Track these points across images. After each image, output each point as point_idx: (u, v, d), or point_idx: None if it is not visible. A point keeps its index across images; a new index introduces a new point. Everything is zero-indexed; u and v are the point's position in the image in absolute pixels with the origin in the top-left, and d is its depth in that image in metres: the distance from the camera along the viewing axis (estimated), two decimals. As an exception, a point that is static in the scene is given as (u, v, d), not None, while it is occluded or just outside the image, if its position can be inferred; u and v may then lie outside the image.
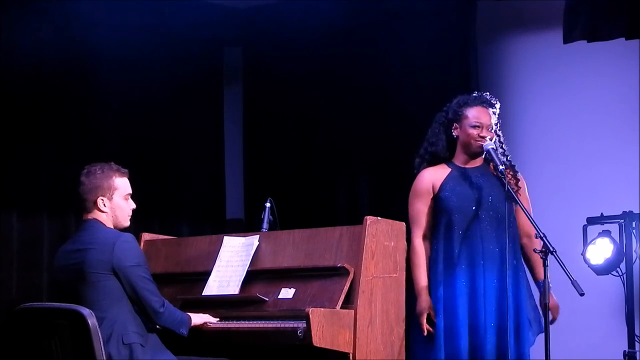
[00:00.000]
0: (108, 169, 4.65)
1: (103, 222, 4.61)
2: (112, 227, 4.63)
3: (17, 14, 6.29)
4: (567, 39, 5.98)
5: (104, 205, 4.60)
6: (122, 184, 4.65)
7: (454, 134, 4.98)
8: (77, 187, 4.65)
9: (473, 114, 4.94)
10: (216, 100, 7.46)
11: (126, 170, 4.70)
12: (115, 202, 4.62)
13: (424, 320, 4.80)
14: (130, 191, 4.69)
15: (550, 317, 4.70)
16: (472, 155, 4.96)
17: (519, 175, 4.97)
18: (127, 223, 4.68)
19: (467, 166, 4.97)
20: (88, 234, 4.58)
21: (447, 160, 5.01)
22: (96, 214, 4.61)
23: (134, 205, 4.71)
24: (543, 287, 4.52)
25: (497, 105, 4.99)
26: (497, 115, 4.97)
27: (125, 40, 6.71)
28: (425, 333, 4.79)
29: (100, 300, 4.44)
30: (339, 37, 7.04)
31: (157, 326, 4.60)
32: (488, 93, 5.05)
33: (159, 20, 6.89)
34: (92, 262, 4.47)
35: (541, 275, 4.70)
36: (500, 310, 4.78)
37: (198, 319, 4.75)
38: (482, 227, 4.84)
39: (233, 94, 7.59)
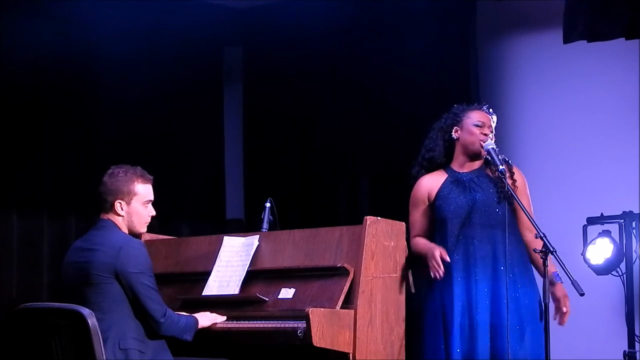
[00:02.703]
0: (132, 173, 4.63)
1: (118, 224, 4.60)
2: (127, 230, 4.62)
3: (17, 14, 6.29)
4: (567, 39, 5.98)
5: (121, 209, 4.59)
6: (143, 190, 4.63)
7: (454, 136, 4.99)
8: (98, 186, 4.64)
9: (475, 115, 4.99)
10: (216, 100, 7.46)
11: (151, 177, 4.68)
12: (133, 207, 4.61)
13: (437, 256, 4.74)
14: (152, 198, 4.67)
15: (562, 308, 4.76)
16: (472, 157, 4.96)
17: (514, 169, 4.96)
18: (143, 229, 4.68)
19: (464, 170, 4.98)
20: (100, 234, 4.58)
21: (444, 165, 5.02)
22: (113, 216, 4.61)
23: (153, 212, 4.68)
24: (543, 286, 4.53)
25: (495, 118, 5.02)
26: (494, 125, 5.00)
27: (125, 41, 6.71)
28: (440, 273, 4.74)
29: (102, 302, 4.44)
30: (339, 37, 7.04)
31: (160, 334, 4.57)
32: (487, 105, 5.09)
33: (159, 20, 6.89)
34: (97, 264, 4.46)
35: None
36: (494, 311, 4.79)
37: (206, 320, 4.72)
38: (476, 232, 4.85)
39: (233, 94, 7.59)
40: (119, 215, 4.60)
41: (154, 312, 4.48)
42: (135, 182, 4.62)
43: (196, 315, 4.72)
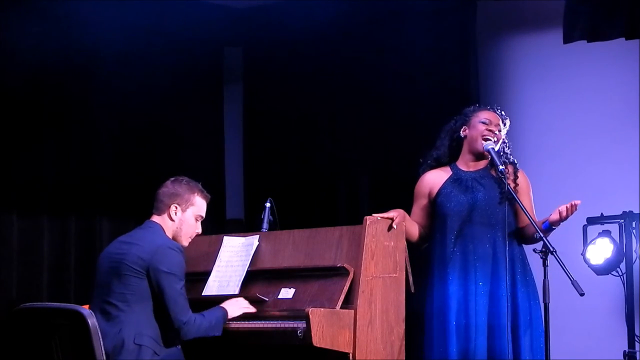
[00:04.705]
0: (194, 185, 4.77)
1: (165, 229, 4.67)
2: (171, 238, 4.67)
3: (16, 14, 6.29)
4: (567, 39, 5.98)
5: (175, 213, 4.68)
6: (199, 204, 4.75)
7: (462, 134, 5.02)
8: (158, 188, 4.74)
9: (484, 114, 5.02)
10: (216, 100, 7.45)
11: (209, 196, 4.80)
12: (187, 216, 4.71)
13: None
14: (204, 215, 4.78)
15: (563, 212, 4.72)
16: (476, 155, 4.98)
17: (519, 173, 4.99)
18: (186, 242, 4.74)
19: (469, 169, 5.00)
20: (144, 232, 4.65)
21: (449, 163, 5.04)
22: (164, 220, 4.69)
23: (200, 230, 4.79)
24: (543, 287, 4.53)
25: (507, 122, 5.04)
26: (505, 130, 5.01)
27: (125, 41, 6.71)
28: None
29: (127, 294, 4.48)
30: (339, 37, 7.04)
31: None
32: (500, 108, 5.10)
33: (159, 20, 6.88)
34: (131, 257, 4.51)
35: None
36: (492, 310, 4.80)
37: (236, 309, 4.71)
38: (476, 230, 4.86)
39: (233, 94, 7.59)
40: (171, 219, 4.68)
41: (175, 317, 4.49)
42: (196, 194, 4.74)
43: (226, 304, 4.70)
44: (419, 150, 5.21)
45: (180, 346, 4.59)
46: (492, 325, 4.80)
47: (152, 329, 4.48)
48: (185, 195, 4.71)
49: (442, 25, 6.68)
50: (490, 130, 4.95)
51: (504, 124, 5.03)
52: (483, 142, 4.93)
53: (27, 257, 6.30)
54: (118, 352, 4.37)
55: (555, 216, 4.76)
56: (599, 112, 6.36)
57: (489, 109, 5.06)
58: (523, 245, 4.98)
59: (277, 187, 6.87)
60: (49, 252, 6.39)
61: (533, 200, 5.03)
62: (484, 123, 4.96)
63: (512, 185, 4.88)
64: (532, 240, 4.87)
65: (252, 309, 4.75)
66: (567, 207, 4.73)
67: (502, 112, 5.06)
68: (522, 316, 4.82)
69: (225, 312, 4.67)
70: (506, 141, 5.05)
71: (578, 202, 4.74)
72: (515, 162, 5.03)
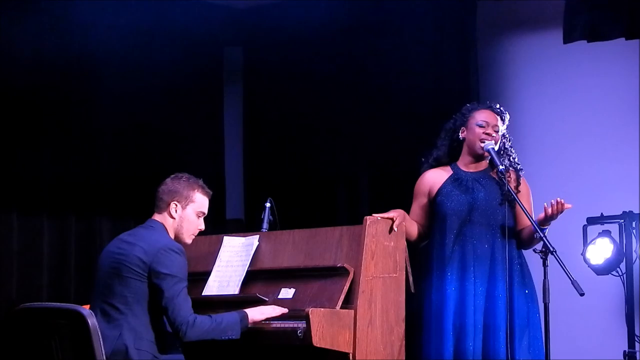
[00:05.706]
0: (194, 181, 4.73)
1: (167, 227, 4.64)
2: (173, 236, 4.65)
3: (16, 14, 6.29)
4: (567, 39, 5.98)
5: (176, 211, 4.65)
6: (200, 200, 4.71)
7: (460, 136, 5.02)
8: (158, 186, 4.71)
9: (481, 115, 5.01)
10: (216, 100, 7.46)
11: (210, 192, 4.76)
12: (187, 213, 4.67)
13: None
14: (205, 211, 4.74)
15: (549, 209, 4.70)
16: (476, 156, 4.98)
17: (521, 180, 4.99)
18: (189, 240, 4.71)
19: (469, 170, 5.00)
20: (146, 231, 4.61)
21: (449, 163, 5.04)
22: (165, 218, 4.65)
23: (202, 226, 4.75)
24: (543, 287, 4.53)
25: (507, 117, 5.03)
26: (505, 126, 5.00)
27: (125, 41, 6.71)
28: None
29: (127, 296, 4.45)
30: (339, 37, 7.04)
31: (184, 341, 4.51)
32: (499, 104, 5.09)
33: (159, 20, 6.88)
34: (132, 258, 4.48)
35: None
36: (489, 311, 4.80)
37: (257, 314, 4.60)
38: (476, 231, 4.87)
39: (233, 94, 7.59)
40: (171, 217, 4.65)
41: (174, 318, 4.43)
42: (196, 190, 4.70)
43: (250, 309, 4.61)
44: (419, 150, 5.22)
45: (181, 350, 4.57)
46: (488, 326, 4.80)
47: (151, 332, 4.46)
48: (185, 192, 4.67)
49: (442, 25, 6.68)
50: (487, 134, 4.94)
51: (503, 121, 5.02)
52: (481, 144, 4.92)
53: (27, 257, 6.30)
54: (120, 357, 4.35)
55: (541, 214, 4.76)
56: (599, 112, 6.36)
57: (486, 108, 5.05)
58: (522, 250, 4.98)
59: (277, 187, 6.87)
60: (49, 252, 6.39)
61: (533, 203, 5.03)
62: (480, 126, 4.96)
63: (512, 186, 4.88)
64: (532, 241, 4.87)
65: (276, 313, 4.61)
66: (552, 203, 4.72)
67: (501, 108, 5.05)
68: (517, 318, 4.82)
69: (244, 314, 4.57)
70: (507, 136, 5.05)
71: (568, 205, 4.73)
72: (520, 168, 5.02)
